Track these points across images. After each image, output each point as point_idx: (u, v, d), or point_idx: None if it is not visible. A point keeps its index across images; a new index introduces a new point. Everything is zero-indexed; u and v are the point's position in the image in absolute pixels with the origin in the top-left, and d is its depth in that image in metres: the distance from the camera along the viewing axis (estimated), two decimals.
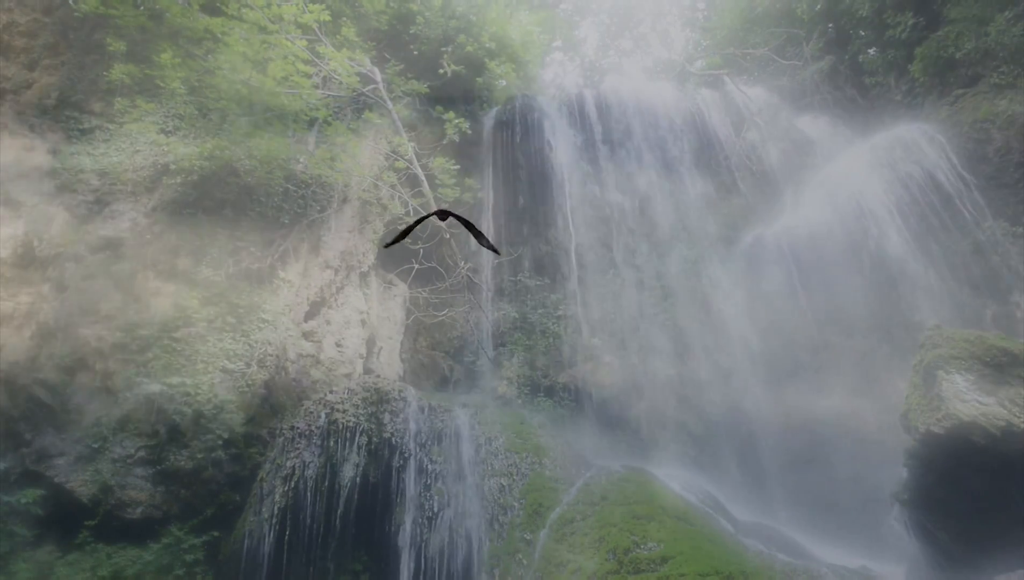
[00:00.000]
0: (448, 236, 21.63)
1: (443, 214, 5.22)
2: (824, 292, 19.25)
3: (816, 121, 24.90)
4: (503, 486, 14.88)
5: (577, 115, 25.86)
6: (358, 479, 14.83)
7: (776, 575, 12.59)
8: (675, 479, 16.19)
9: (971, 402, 12.51)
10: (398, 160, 21.33)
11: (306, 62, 19.72)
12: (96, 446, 14.80)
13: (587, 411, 19.90)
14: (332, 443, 15.11)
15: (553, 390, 20.23)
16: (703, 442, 19.27)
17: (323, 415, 15.56)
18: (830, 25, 26.66)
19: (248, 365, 16.42)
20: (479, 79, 25.73)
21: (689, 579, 11.72)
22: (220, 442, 15.41)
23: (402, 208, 21.31)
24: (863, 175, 19.98)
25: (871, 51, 25.04)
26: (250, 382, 16.30)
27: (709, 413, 19.48)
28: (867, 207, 19.40)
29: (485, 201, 23.65)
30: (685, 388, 20.00)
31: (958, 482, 12.75)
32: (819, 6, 27.09)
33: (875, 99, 24.14)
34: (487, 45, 25.46)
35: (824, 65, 25.97)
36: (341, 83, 20.81)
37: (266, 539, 14.13)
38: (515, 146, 24.48)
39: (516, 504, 14.52)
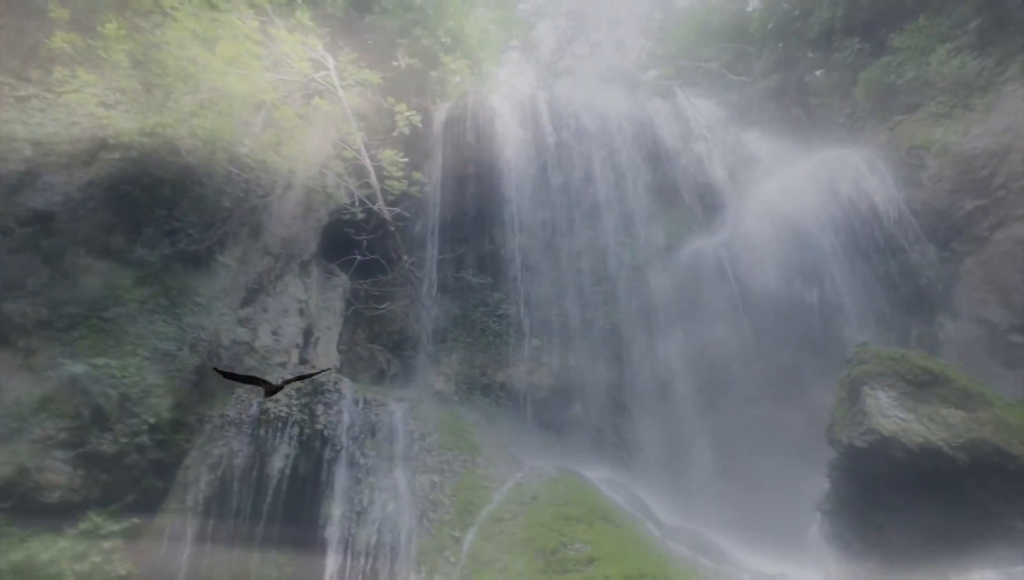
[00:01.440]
0: (393, 229, 21.46)
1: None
2: (760, 304, 19.69)
3: (761, 137, 25.45)
4: (435, 483, 14.85)
5: (529, 116, 25.90)
6: (287, 470, 14.62)
7: (698, 578, 12.86)
8: (606, 482, 16.39)
9: (893, 418, 12.97)
10: (346, 149, 21.07)
11: (257, 43, 19.32)
12: (14, 426, 14.22)
13: (524, 411, 19.99)
14: (263, 433, 14.87)
15: (491, 389, 20.26)
16: (635, 446, 19.53)
17: (255, 404, 15.31)
18: (780, 44, 27.30)
19: (179, 349, 16.00)
20: (433, 73, 25.59)
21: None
22: (146, 427, 14.95)
23: (348, 198, 21.06)
24: (803, 193, 20.52)
25: (818, 72, 25.73)
26: (180, 367, 15.88)
27: (643, 418, 19.74)
28: (805, 225, 19.93)
29: (432, 196, 23.54)
30: (621, 393, 20.24)
31: (877, 495, 13.21)
32: (770, 25, 27.72)
33: (819, 119, 24.79)
34: (443, 40, 25.34)
35: (772, 83, 26.58)
36: (292, 67, 20.45)
37: (188, 528, 13.84)
38: (465, 143, 24.43)
39: (447, 501, 14.50)
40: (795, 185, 21.04)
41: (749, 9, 30.28)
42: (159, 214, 17.06)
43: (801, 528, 15.75)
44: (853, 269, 19.04)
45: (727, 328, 19.81)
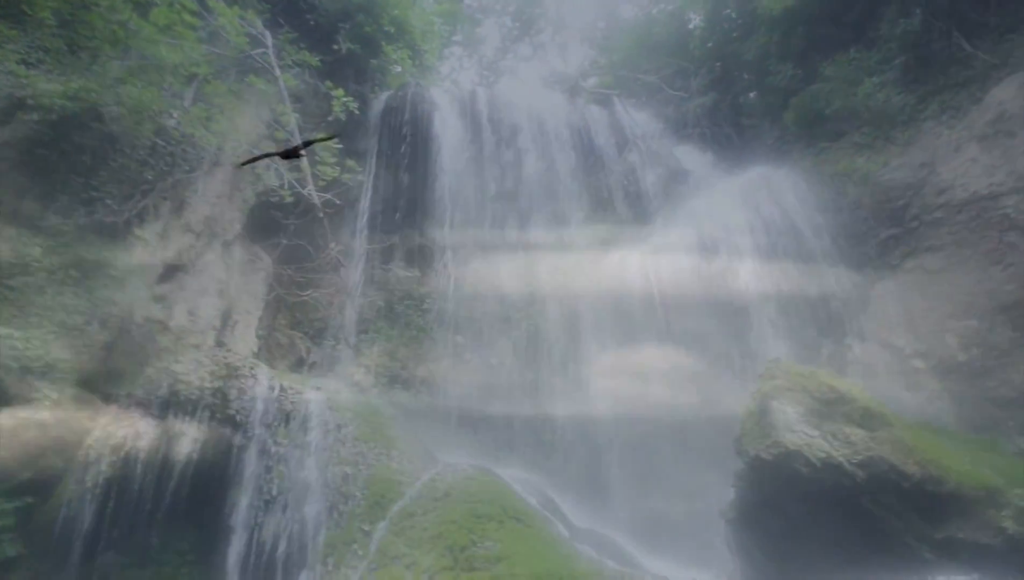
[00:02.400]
0: (322, 215, 21.12)
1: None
2: (681, 315, 20.10)
3: (693, 152, 26.01)
4: (347, 474, 14.67)
5: (468, 112, 25.86)
6: (195, 455, 14.25)
7: None
8: (519, 482, 16.46)
9: (799, 433, 13.43)
10: (279, 130, 20.63)
11: (193, 13, 18.69)
12: None
13: (442, 407, 19.92)
14: (171, 415, 14.44)
15: (411, 383, 20.14)
16: (551, 448, 19.68)
17: (165, 385, 14.86)
18: (718, 64, 27.95)
19: (88, 323, 15.38)
20: (374, 61, 25.29)
21: (521, 579, 11.95)
22: (47, 402, 14.34)
23: (277, 180, 20.62)
24: (729, 209, 21.07)
25: (751, 94, 26.46)
26: (88, 342, 15.27)
27: (560, 420, 19.91)
28: (729, 240, 20.46)
29: (364, 185, 23.26)
30: (540, 394, 20.38)
31: (779, 506, 13.66)
32: (710, 44, 28.37)
33: (749, 140, 25.48)
34: (386, 28, 25.07)
35: (707, 101, 27.20)
36: (228, 42, 19.89)
37: (86, 509, 13.35)
38: (402, 134, 24.23)
39: (358, 494, 14.35)
40: (722, 200, 21.59)
41: (691, 27, 30.91)
42: (76, 182, 16.37)
43: (707, 535, 16.18)
44: (772, 286, 19.64)
45: (648, 336, 20.15)
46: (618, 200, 24.54)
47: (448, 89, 29.10)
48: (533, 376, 20.67)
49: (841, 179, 20.42)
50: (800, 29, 23.90)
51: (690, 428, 18.36)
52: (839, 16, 22.94)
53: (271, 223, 20.77)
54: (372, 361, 20.28)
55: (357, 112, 22.84)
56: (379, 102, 25.45)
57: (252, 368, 16.03)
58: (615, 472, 18.84)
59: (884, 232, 19.21)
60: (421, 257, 22.65)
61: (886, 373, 17.83)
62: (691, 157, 25.75)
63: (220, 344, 18.72)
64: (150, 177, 17.38)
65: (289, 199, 20.43)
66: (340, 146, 21.55)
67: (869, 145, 20.49)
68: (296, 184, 20.56)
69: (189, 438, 14.35)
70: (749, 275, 19.93)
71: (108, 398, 15.10)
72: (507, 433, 19.77)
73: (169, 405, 14.62)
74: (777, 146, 23.87)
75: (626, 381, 19.89)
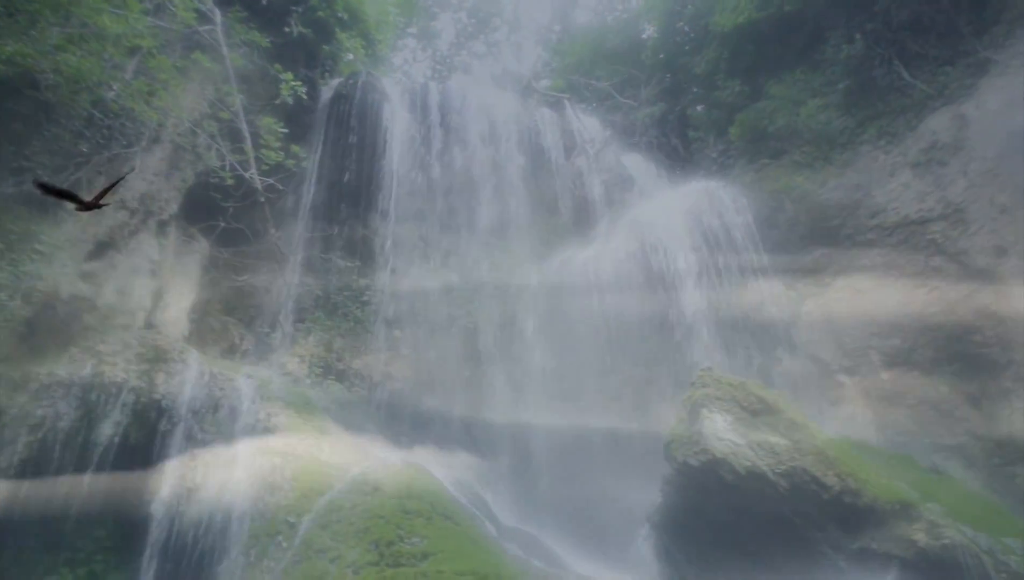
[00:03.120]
0: (263, 200, 20.70)
1: None
2: (619, 320, 20.35)
3: (640, 160, 26.35)
4: (275, 465, 14.40)
5: (419, 106, 25.70)
6: (117, 439, 13.85)
7: (529, 579, 13.13)
8: (451, 479, 16.45)
9: (726, 441, 13.76)
10: (223, 111, 20.15)
11: None
12: None
13: (377, 401, 19.75)
14: (94, 397, 14.00)
15: (346, 375, 19.91)
16: (484, 446, 19.70)
17: (89, 365, 14.40)
18: (668, 75, 28.39)
19: (11, 298, 14.76)
20: (326, 47, 24.91)
21: (446, 577, 11.92)
22: None
23: (218, 161, 20.11)
24: (670, 219, 21.42)
25: (699, 107, 26.95)
26: (9, 317, 14.66)
27: (494, 419, 19.95)
28: (669, 249, 20.79)
29: (309, 171, 22.88)
30: (476, 392, 20.38)
31: (703, 512, 13.97)
32: (662, 55, 28.79)
33: (694, 152, 25.95)
34: (340, 14, 24.72)
35: (656, 111, 27.59)
36: (175, 15, 19.32)
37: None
38: (350, 123, 23.91)
39: (286, 485, 14.11)
40: (665, 210, 21.93)
41: (644, 37, 31.31)
42: (7, 150, 15.69)
43: (633, 538, 16.42)
44: (708, 295, 20.04)
45: (587, 339, 20.34)
46: (564, 203, 24.70)
47: (400, 81, 28.91)
48: (470, 374, 20.65)
49: (780, 196, 20.96)
50: (749, 47, 24.42)
51: (622, 432, 18.61)
52: (787, 37, 23.52)
53: (210, 205, 20.26)
54: (307, 351, 19.98)
55: (305, 97, 22.46)
56: (329, 89, 25.09)
57: (182, 352, 15.65)
58: (546, 473, 18.96)
59: (818, 250, 19.79)
60: (363, 248, 22.39)
61: (813, 387, 18.37)
62: (637, 165, 26.07)
63: (150, 326, 18.18)
64: (85, 150, 16.77)
65: (230, 182, 19.95)
66: (285, 131, 21.16)
67: (809, 164, 21.07)
68: (238, 167, 20.10)
69: (112, 421, 13.94)
70: (687, 285, 20.29)
71: (28, 377, 14.53)
72: (442, 430, 19.72)
73: (92, 386, 14.17)
74: (721, 160, 24.36)
75: (562, 383, 20.05)
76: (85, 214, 16.58)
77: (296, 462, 14.69)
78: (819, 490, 13.15)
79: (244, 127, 20.16)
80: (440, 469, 16.92)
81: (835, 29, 22.06)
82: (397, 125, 24.40)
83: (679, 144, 26.70)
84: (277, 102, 21.72)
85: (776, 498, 13.22)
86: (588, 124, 27.17)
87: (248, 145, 20.21)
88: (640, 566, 15.46)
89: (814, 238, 19.96)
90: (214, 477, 14.04)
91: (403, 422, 19.56)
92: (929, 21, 19.98)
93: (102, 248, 17.44)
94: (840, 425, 17.10)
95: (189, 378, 15.17)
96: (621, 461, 18.25)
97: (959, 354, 16.72)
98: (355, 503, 13.73)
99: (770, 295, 19.82)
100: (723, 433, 13.76)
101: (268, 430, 15.25)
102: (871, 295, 18.33)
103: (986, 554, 12.34)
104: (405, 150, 24.10)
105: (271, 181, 20.83)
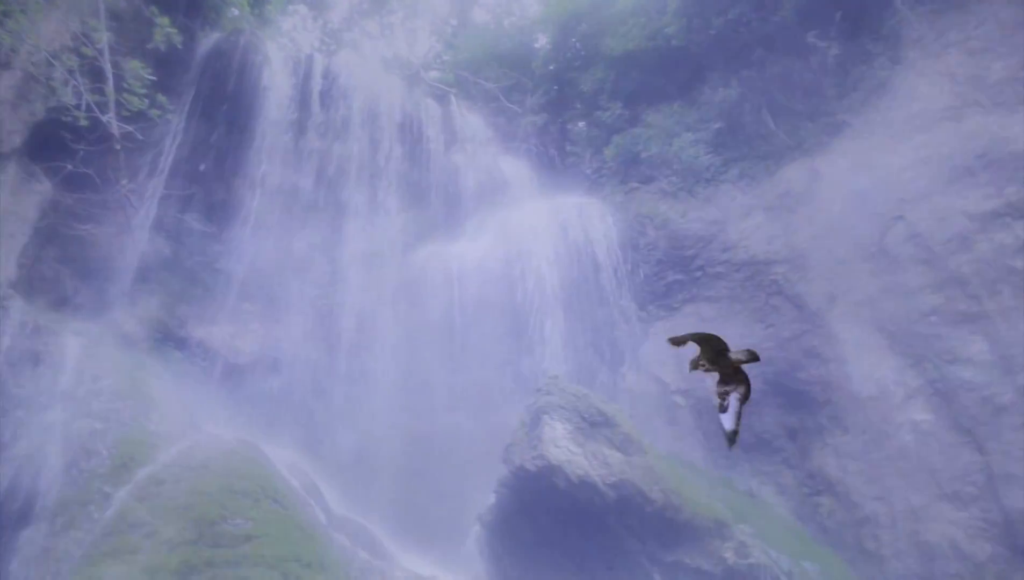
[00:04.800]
0: (119, 147, 19.38)
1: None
2: (476, 320, 20.50)
3: (517, 166, 26.59)
4: (95, 430, 13.52)
5: (301, 76, 24.79)
6: None
7: (353, 570, 13.00)
8: (285, 461, 16.00)
9: (563, 449, 14.14)
10: (87, 46, 18.72)
11: None
12: None
13: (217, 373, 18.93)
14: None
15: (187, 343, 18.94)
16: (325, 430, 19.32)
17: None
18: (555, 88, 28.86)
19: None
20: None
21: (267, 561, 11.61)
22: None
23: (74, 99, 18.62)
24: (538, 228, 21.81)
25: (581, 124, 27.52)
26: None
27: (338, 404, 19.59)
28: (532, 256, 21.17)
29: (174, 125, 21.58)
30: (323, 375, 19.95)
31: (533, 515, 14.30)
32: (551, 67, 29.21)
33: (570, 166, 26.49)
34: None
35: (539, 120, 27.98)
36: None
37: None
38: (227, 81, 22.76)
39: (104, 452, 13.28)
40: (534, 218, 22.29)
41: (537, 46, 31.66)
42: None
43: (462, 536, 16.56)
44: (565, 306, 20.54)
45: (440, 335, 20.35)
46: (436, 197, 24.58)
47: (285, 47, 27.77)
48: (320, 358, 20.19)
49: (644, 220, 21.80)
50: (635, 73, 25.24)
51: (465, 431, 18.72)
52: (671, 70, 24.50)
53: (58, 144, 18.72)
54: (147, 313, 18.82)
55: (180, 47, 21.20)
56: (208, 42, 23.74)
57: (5, 299, 14.40)
58: (385, 465, 18.79)
59: (671, 276, 20.74)
60: (222, 213, 21.36)
61: (651, 405, 19.19)
62: (514, 170, 26.30)
63: None
64: None
65: (84, 122, 18.52)
66: (154, 78, 19.89)
67: (674, 194, 22.02)
68: (95, 108, 18.72)
69: None
70: (546, 294, 20.72)
71: None
72: (283, 411, 19.15)
73: None
74: (594, 177, 24.99)
75: (412, 376, 19.94)
76: None
77: (119, 429, 13.85)
78: (644, 503, 13.75)
79: (108, 67, 18.81)
80: (276, 451, 16.42)
81: (715, 71, 23.20)
82: (276, 92, 23.45)
83: (556, 156, 27.19)
84: (149, 47, 20.39)
85: (604, 507, 13.71)
86: (471, 122, 27.18)
87: (110, 87, 18.87)
88: (467, 563, 15.62)
89: (669, 264, 20.90)
90: (25, 436, 13.01)
91: (245, 399, 18.85)
92: (798, 78, 21.39)
93: None
94: (672, 443, 17.98)
95: (8, 327, 14.00)
96: (461, 460, 18.34)
97: (784, 389, 17.95)
98: (179, 478, 13.10)
99: (622, 314, 20.54)
100: (561, 441, 14.15)
101: (93, 393, 14.27)
102: (714, 324, 19.34)
103: (786, 575, 13.33)
104: (281, 119, 23.20)
105: (130, 129, 19.50)
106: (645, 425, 17.18)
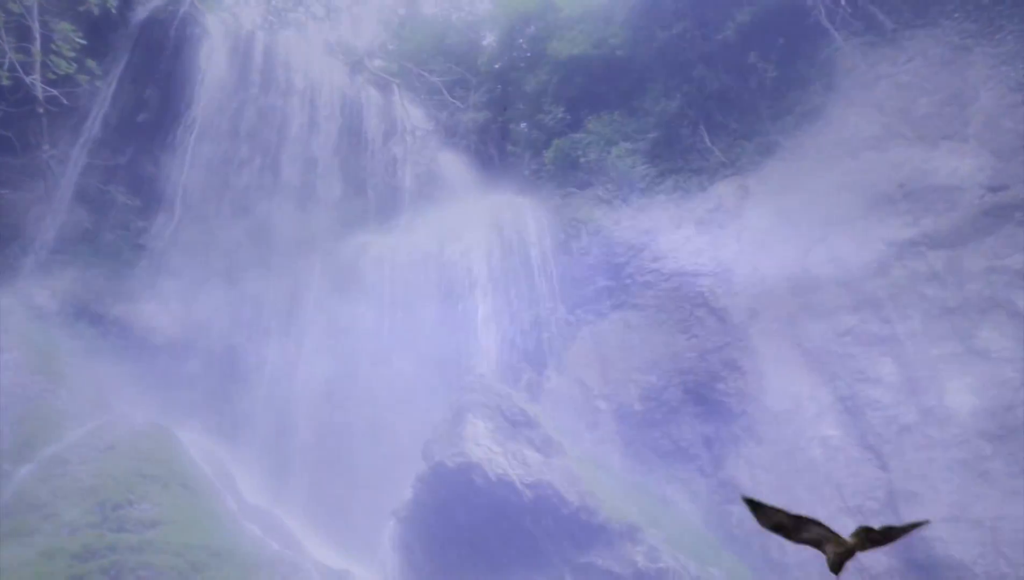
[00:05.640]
0: (42, 111, 18.59)
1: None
2: (406, 313, 20.38)
3: (456, 162, 26.53)
4: None
5: (241, 53, 24.21)
6: None
7: (262, 560, 12.73)
8: (199, 447, 15.59)
9: (484, 447, 14.19)
10: (14, 2, 17.90)
11: None
12: None
13: (133, 352, 18.31)
14: None
15: (103, 319, 18.27)
16: (243, 418, 18.89)
17: None
18: (499, 86, 28.89)
19: None
20: None
21: (173, 548, 11.32)
22: None
23: None
24: (474, 225, 21.81)
25: (522, 124, 27.63)
26: None
27: (258, 391, 19.18)
28: (465, 253, 21.15)
29: (103, 93, 20.81)
30: (243, 360, 19.52)
31: (449, 512, 14.29)
32: (497, 66, 29.25)
33: (509, 165, 26.56)
34: None
35: (481, 117, 27.98)
36: None
37: None
38: (163, 52, 22.10)
39: (7, 429, 12.72)
40: (470, 215, 22.28)
41: (484, 43, 31.66)
42: None
43: (379, 529, 16.41)
44: (495, 305, 20.60)
45: (368, 326, 20.14)
46: (373, 187, 24.35)
47: (226, 21, 27.03)
48: (241, 342, 19.73)
49: (579, 225, 22.01)
50: (578, 79, 25.47)
51: (387, 425, 18.58)
52: (614, 79, 24.83)
53: None
54: (62, 285, 18.06)
55: (115, 12, 20.46)
56: (145, 10, 22.98)
57: None
58: (302, 456, 18.50)
59: (601, 282, 20.99)
60: (149, 188, 20.70)
61: (574, 408, 19.37)
62: (452, 166, 26.24)
63: None
64: None
65: (6, 82, 17.71)
66: (85, 42, 19.14)
67: (609, 201, 22.30)
68: (19, 67, 17.92)
69: None
70: (476, 292, 20.74)
71: None
72: (200, 396, 18.62)
73: None
74: (532, 179, 25.11)
75: (335, 366, 19.67)
76: None
77: (24, 405, 13.29)
78: (560, 505, 13.90)
79: (35, 26, 18.06)
80: (190, 436, 15.99)
81: (656, 83, 23.62)
82: (214, 67, 22.84)
83: (496, 154, 27.23)
84: (82, 9, 19.62)
85: (520, 507, 13.81)
86: (413, 114, 27.01)
87: (36, 47, 18.11)
88: (380, 557, 15.51)
89: (600, 270, 21.15)
90: None
91: (160, 381, 18.26)
92: (736, 97, 21.95)
93: None
94: (592, 447, 18.18)
95: None
96: (383, 453, 18.19)
97: (703, 398, 18.38)
98: (85, 459, 12.65)
99: (550, 315, 20.71)
100: (482, 439, 14.20)
101: None
102: (639, 332, 19.70)
103: (692, 579, 13.66)
104: (216, 95, 22.58)
105: (55, 93, 18.75)
106: (566, 427, 17.36)
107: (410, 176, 24.70)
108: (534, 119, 26.36)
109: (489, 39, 31.62)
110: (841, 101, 19.65)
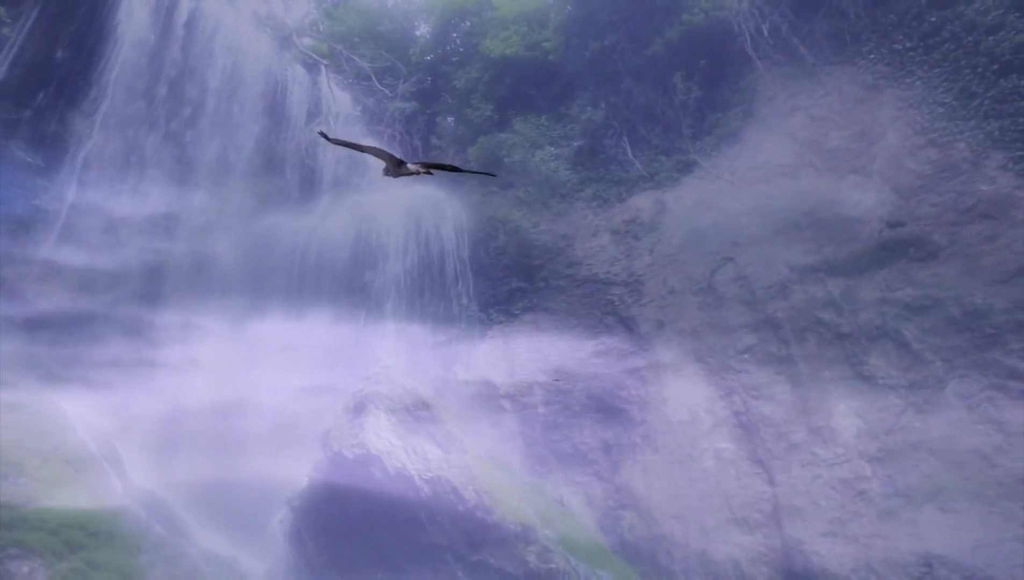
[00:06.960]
0: None
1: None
2: (314, 298, 20.03)
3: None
4: None
5: (163, 15, 23.17)
6: None
7: (145, 544, 12.31)
8: (86, 424, 14.89)
9: (384, 439, 14.08)
10: None
11: None
12: None
13: (24, 319, 17.35)
14: None
15: None
16: (136, 397, 18.11)
17: None
18: (429, 79, 28.66)
19: None
20: None
21: (49, 526, 10.83)
22: None
23: None
24: (391, 215, 21.61)
25: (450, 119, 27.50)
26: None
27: (156, 371, 18.44)
28: (381, 242, 20.94)
29: (9, 41, 19.60)
30: (143, 337, 18.79)
31: (344, 503, 14.12)
32: (429, 57, 29.03)
33: (433, 159, 26.41)
34: None
35: (408, 108, 27.69)
36: None
37: None
38: (75, 7, 20.96)
39: None
40: (388, 205, 22.05)
41: (418, 33, 31.36)
42: None
43: (269, 519, 16.06)
44: (407, 297, 20.49)
45: (276, 309, 19.70)
46: (291, 168, 23.80)
47: None
48: (139, 315, 18.97)
49: (497, 224, 22.11)
50: (508, 79, 25.54)
51: (286, 412, 18.21)
52: (544, 83, 25.04)
53: None
54: None
55: None
56: None
57: None
58: (190, 439, 17.92)
59: (515, 283, 21.16)
60: (52, 147, 19.63)
61: (479, 406, 19.43)
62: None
63: None
64: None
65: None
66: None
67: (529, 204, 22.49)
68: None
69: None
70: (389, 283, 20.57)
71: None
72: (92, 369, 17.76)
73: None
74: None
75: (238, 347, 19.14)
76: None
77: None
78: (457, 502, 13.91)
79: None
80: (77, 411, 15.26)
81: (584, 92, 23.94)
82: (133, 27, 21.81)
83: (420, 146, 27.00)
84: None
85: (417, 502, 13.76)
86: (339, 97, 26.53)
87: None
88: (269, 547, 15.20)
89: (515, 271, 21.31)
90: None
91: (47, 352, 17.34)
92: (660, 113, 22.48)
93: None
94: (493, 445, 18.27)
95: None
96: (280, 440, 17.82)
97: (605, 404, 18.74)
98: None
99: (462, 312, 20.73)
100: (383, 431, 14.09)
101: None
102: (549, 335, 19.94)
103: None
104: (133, 57, 21.57)
105: None
106: (470, 425, 17.38)
107: (330, 160, 24.23)
108: (462, 115, 26.29)
109: (423, 30, 31.35)
110: (759, 127, 20.35)
